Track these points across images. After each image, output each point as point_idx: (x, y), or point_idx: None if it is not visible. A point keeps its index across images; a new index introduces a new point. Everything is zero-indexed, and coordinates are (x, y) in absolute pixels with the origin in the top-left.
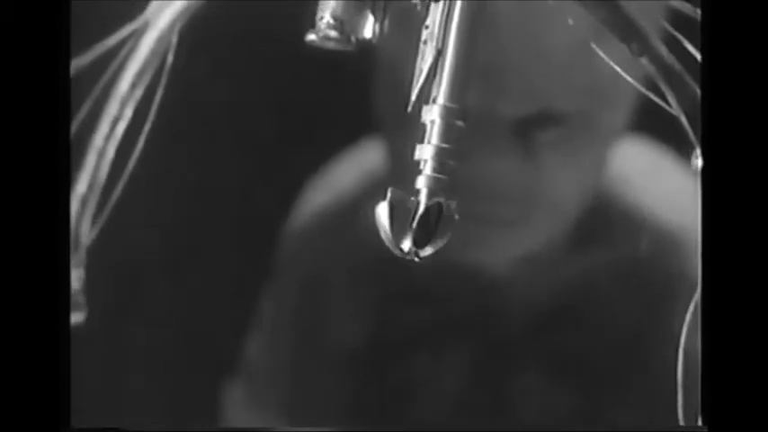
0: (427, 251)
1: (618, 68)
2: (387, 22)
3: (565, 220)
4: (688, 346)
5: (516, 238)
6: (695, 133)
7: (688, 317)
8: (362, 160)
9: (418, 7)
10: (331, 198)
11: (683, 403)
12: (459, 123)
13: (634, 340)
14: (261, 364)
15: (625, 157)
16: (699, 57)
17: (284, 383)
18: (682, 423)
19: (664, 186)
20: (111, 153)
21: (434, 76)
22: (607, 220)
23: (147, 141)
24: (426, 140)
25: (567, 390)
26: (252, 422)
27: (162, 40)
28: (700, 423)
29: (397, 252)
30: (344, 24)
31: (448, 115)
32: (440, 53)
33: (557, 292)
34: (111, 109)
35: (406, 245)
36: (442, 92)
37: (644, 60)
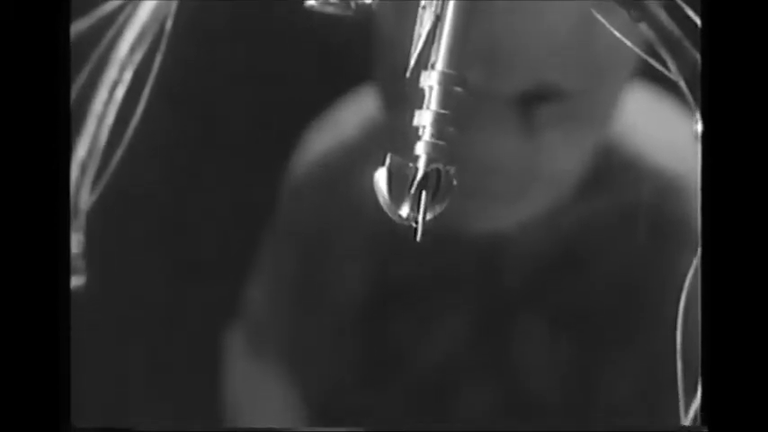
0: (426, 217)
1: (618, 34)
2: None
3: (565, 190)
4: (689, 299)
5: (516, 211)
6: (695, 98)
7: (687, 282)
8: (363, 107)
9: None
10: (332, 146)
11: (683, 364)
12: (458, 90)
13: (637, 286)
14: (262, 313)
15: (627, 106)
16: (699, 22)
17: (285, 333)
18: (681, 394)
19: (665, 132)
20: (110, 118)
21: (433, 41)
22: (609, 167)
23: (147, 106)
24: (425, 106)
25: (569, 337)
26: (251, 370)
27: (161, 5)
28: (699, 423)
29: (395, 218)
30: None
31: (446, 81)
32: (438, 19)
33: (559, 239)
34: (111, 73)
35: (405, 210)
36: (440, 58)
37: (643, 26)
